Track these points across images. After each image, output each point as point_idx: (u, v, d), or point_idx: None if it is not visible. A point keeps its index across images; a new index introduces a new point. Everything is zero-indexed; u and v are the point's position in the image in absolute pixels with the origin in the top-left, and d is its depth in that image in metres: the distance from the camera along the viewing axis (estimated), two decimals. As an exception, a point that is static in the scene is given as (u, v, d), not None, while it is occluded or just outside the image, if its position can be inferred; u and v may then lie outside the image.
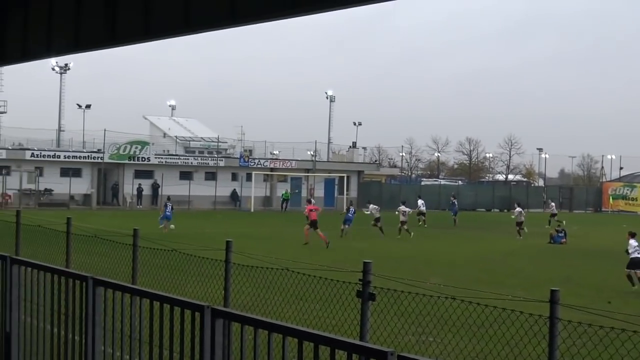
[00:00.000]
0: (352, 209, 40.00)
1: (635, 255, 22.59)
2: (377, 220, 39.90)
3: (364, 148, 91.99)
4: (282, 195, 63.31)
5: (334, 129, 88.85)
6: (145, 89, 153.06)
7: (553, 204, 57.66)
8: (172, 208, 38.82)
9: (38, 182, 59.19)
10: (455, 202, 54.37)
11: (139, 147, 63.99)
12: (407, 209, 40.61)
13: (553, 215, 52.57)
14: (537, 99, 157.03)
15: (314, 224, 33.33)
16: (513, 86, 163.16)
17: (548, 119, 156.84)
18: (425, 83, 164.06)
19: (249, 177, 65.76)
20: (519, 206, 43.16)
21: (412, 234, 39.35)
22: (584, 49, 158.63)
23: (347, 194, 66.67)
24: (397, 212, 40.86)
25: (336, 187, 71.11)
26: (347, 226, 38.44)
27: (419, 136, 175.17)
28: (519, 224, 41.68)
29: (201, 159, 68.61)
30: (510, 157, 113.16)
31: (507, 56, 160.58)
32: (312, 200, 40.26)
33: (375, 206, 41.32)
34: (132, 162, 63.19)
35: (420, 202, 48.99)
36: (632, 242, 23.04)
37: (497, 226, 51.00)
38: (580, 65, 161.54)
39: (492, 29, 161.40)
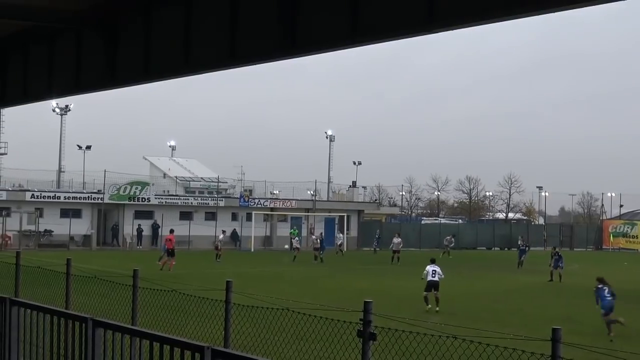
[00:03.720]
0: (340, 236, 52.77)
1: (430, 278, 24.84)
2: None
3: (364, 187, 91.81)
4: (290, 232, 63.49)
5: (334, 168, 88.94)
6: (145, 130, 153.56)
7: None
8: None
9: (38, 223, 59.05)
10: (377, 239, 61.24)
11: (139, 187, 63.96)
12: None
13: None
14: (537, 138, 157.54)
15: (171, 252, 38.12)
16: (513, 126, 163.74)
17: (548, 157, 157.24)
18: (425, 123, 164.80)
19: (249, 217, 65.62)
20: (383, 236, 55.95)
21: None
22: (588, 91, 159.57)
23: (347, 234, 66.58)
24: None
25: (336, 226, 70.96)
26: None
27: (419, 175, 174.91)
28: (396, 252, 49.53)
29: (201, 199, 68.55)
30: (510, 195, 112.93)
31: (508, 98, 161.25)
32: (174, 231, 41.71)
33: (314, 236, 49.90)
34: (132, 202, 63.10)
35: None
36: (429, 267, 25.23)
37: (498, 264, 50.85)
38: (581, 105, 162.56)
39: (497, 72, 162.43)
